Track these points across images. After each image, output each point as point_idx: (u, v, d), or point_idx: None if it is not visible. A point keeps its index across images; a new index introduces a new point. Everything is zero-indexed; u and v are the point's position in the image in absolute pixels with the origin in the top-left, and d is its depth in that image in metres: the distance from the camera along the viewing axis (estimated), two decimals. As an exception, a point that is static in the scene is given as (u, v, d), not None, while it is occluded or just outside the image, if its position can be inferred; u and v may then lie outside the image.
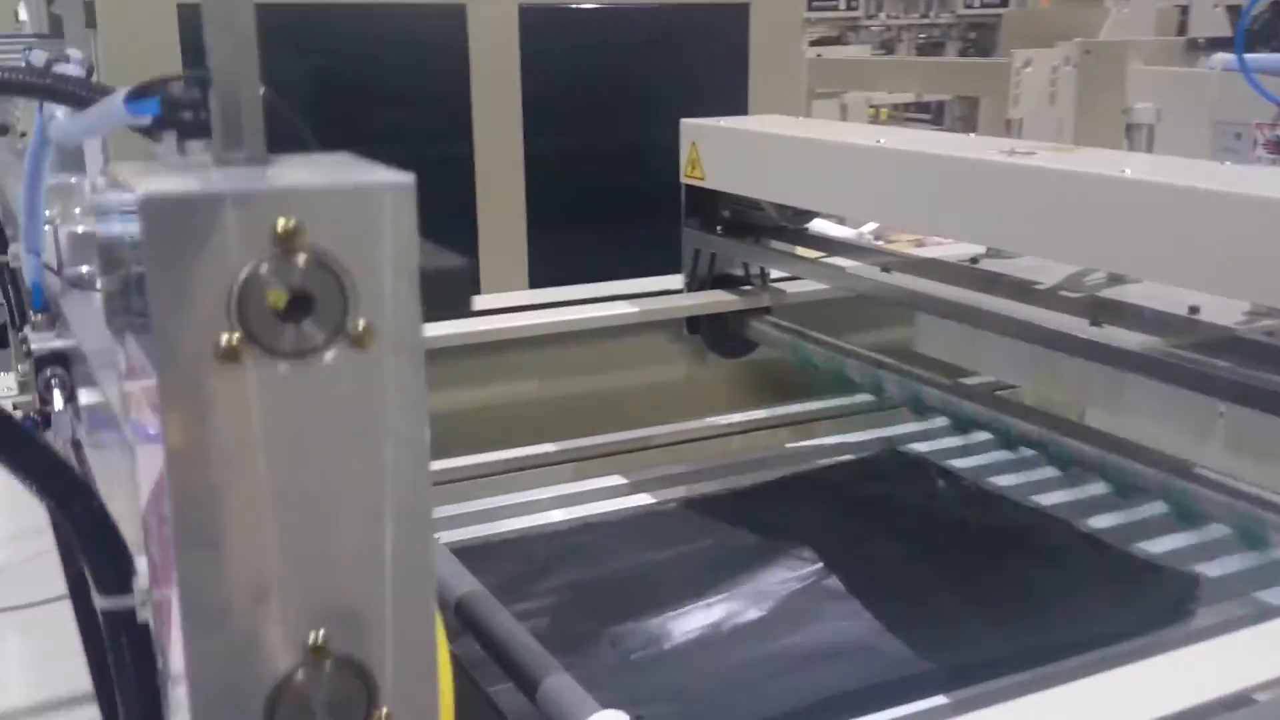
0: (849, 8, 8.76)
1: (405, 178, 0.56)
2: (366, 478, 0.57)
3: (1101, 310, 1.49)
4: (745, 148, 1.86)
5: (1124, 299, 1.48)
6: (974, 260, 1.71)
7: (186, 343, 0.53)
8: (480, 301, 1.94)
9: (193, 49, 0.88)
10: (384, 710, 0.58)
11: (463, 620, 1.05)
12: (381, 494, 0.57)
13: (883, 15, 9.12)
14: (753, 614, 1.38)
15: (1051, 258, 1.52)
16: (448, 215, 2.22)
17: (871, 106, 5.96)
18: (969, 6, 8.94)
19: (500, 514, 1.70)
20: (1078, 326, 1.51)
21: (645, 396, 2.00)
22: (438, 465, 1.77)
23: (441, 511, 1.67)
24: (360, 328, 0.55)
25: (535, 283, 2.44)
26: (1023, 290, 1.60)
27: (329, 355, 0.55)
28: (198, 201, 0.53)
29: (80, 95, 0.89)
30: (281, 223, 0.54)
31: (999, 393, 1.92)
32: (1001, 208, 1.46)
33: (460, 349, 1.84)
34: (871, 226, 2.82)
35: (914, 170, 1.57)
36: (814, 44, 7.57)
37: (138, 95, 0.67)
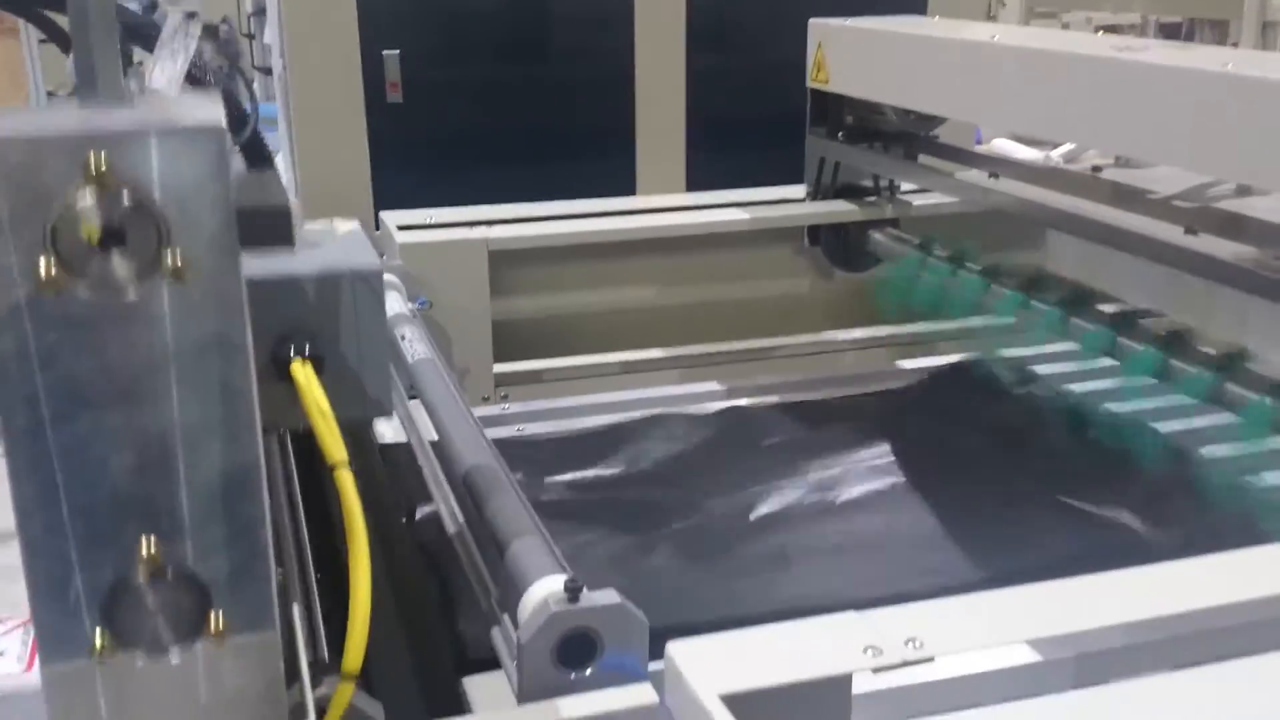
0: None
1: (215, 120, 0.57)
2: (190, 398, 0.60)
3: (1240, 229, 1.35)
4: (867, 48, 1.76)
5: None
6: (1095, 169, 1.57)
7: (6, 276, 0.57)
8: (595, 205, 1.94)
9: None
10: (219, 613, 0.62)
11: (469, 492, 1.09)
12: (206, 412, 0.60)
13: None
14: (811, 504, 1.41)
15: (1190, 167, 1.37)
16: (606, 122, 2.21)
17: (1098, 28, 5.48)
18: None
19: (598, 410, 1.72)
20: (1225, 250, 1.37)
21: (762, 308, 1.97)
22: (542, 363, 1.85)
23: (539, 404, 1.72)
24: (177, 262, 0.58)
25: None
26: (1165, 209, 1.46)
27: (147, 287, 0.58)
28: (12, 144, 0.56)
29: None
30: (94, 162, 0.56)
31: (1146, 320, 1.78)
32: (1123, 107, 1.33)
33: (574, 251, 1.86)
34: (1065, 149, 2.61)
35: (1034, 67, 1.44)
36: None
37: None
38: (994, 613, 0.85)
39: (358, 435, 1.50)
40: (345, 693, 0.76)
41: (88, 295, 0.57)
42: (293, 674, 0.75)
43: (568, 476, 1.51)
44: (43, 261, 0.56)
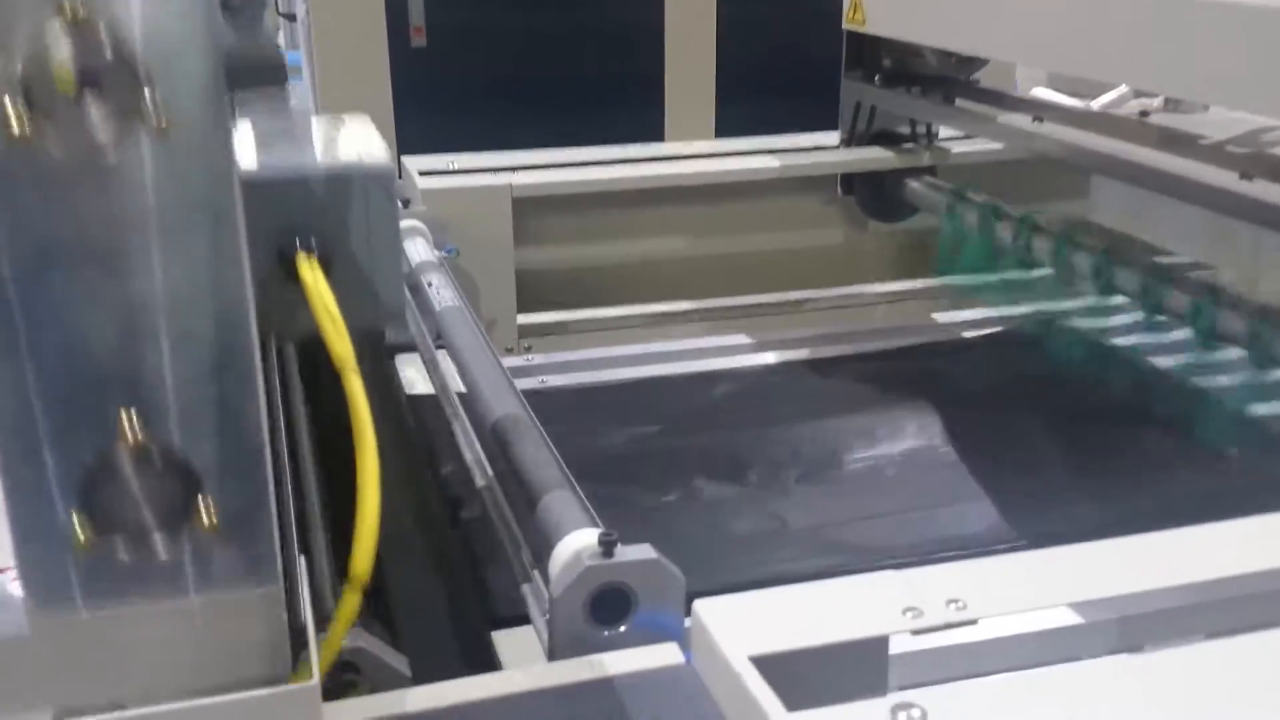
0: None
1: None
2: (176, 265, 0.55)
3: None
4: (907, -14, 1.69)
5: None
6: (1143, 114, 1.51)
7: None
8: (622, 152, 1.89)
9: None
10: (207, 500, 0.57)
11: (498, 443, 1.06)
12: (194, 282, 0.55)
13: None
14: (847, 462, 1.37)
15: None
16: (635, 67, 2.14)
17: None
18: None
19: (624, 362, 1.68)
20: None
21: (793, 259, 1.91)
22: (567, 315, 1.81)
23: (564, 356, 1.69)
24: (158, 112, 0.52)
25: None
26: (1219, 154, 1.39)
27: (127, 140, 0.52)
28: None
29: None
30: (69, 4, 0.50)
31: (1196, 274, 1.72)
32: (1178, 44, 1.26)
33: (600, 198, 1.81)
34: (1107, 98, 2.52)
35: (1083, 2, 1.37)
36: None
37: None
38: (1038, 574, 0.81)
39: (385, 384, 1.47)
40: (351, 602, 0.72)
41: (61, 149, 0.51)
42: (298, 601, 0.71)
43: (597, 430, 1.47)
44: (12, 112, 0.50)
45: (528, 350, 1.76)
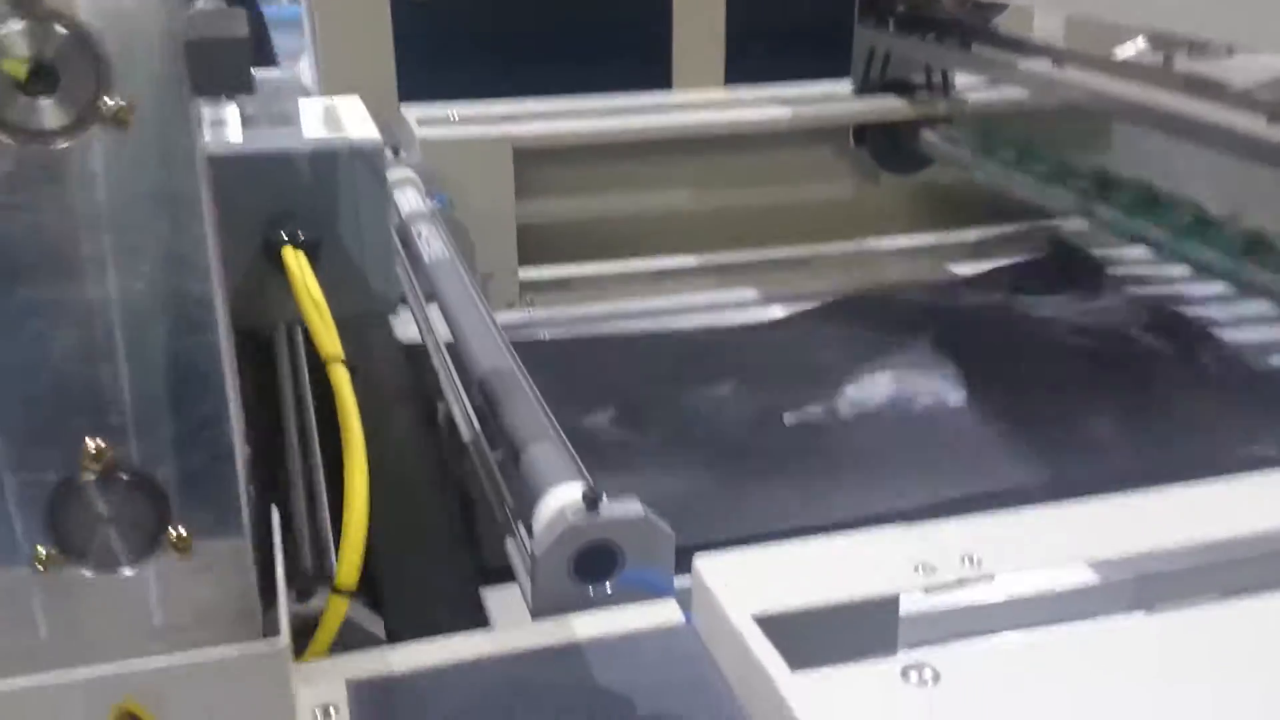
0: None
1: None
2: (136, 271, 0.51)
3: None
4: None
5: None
6: (1167, 60, 1.45)
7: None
8: (627, 101, 1.84)
9: None
10: (177, 528, 0.54)
11: (484, 395, 1.03)
12: (151, 286, 0.51)
13: None
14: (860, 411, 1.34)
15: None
16: (641, 12, 2.07)
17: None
18: None
19: (628, 317, 1.64)
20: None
21: (803, 213, 1.86)
22: (570, 269, 1.77)
23: (566, 311, 1.64)
24: (117, 105, 0.49)
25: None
26: (1246, 100, 1.33)
27: (82, 135, 0.49)
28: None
29: None
30: None
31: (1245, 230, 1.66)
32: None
33: (604, 149, 1.76)
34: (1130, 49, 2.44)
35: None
36: None
37: None
38: (1055, 528, 0.77)
39: (378, 331, 1.43)
40: (338, 607, 0.70)
41: (11, 143, 0.48)
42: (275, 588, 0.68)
43: (597, 384, 1.43)
44: (-43, 102, 0.47)
45: (530, 304, 1.71)
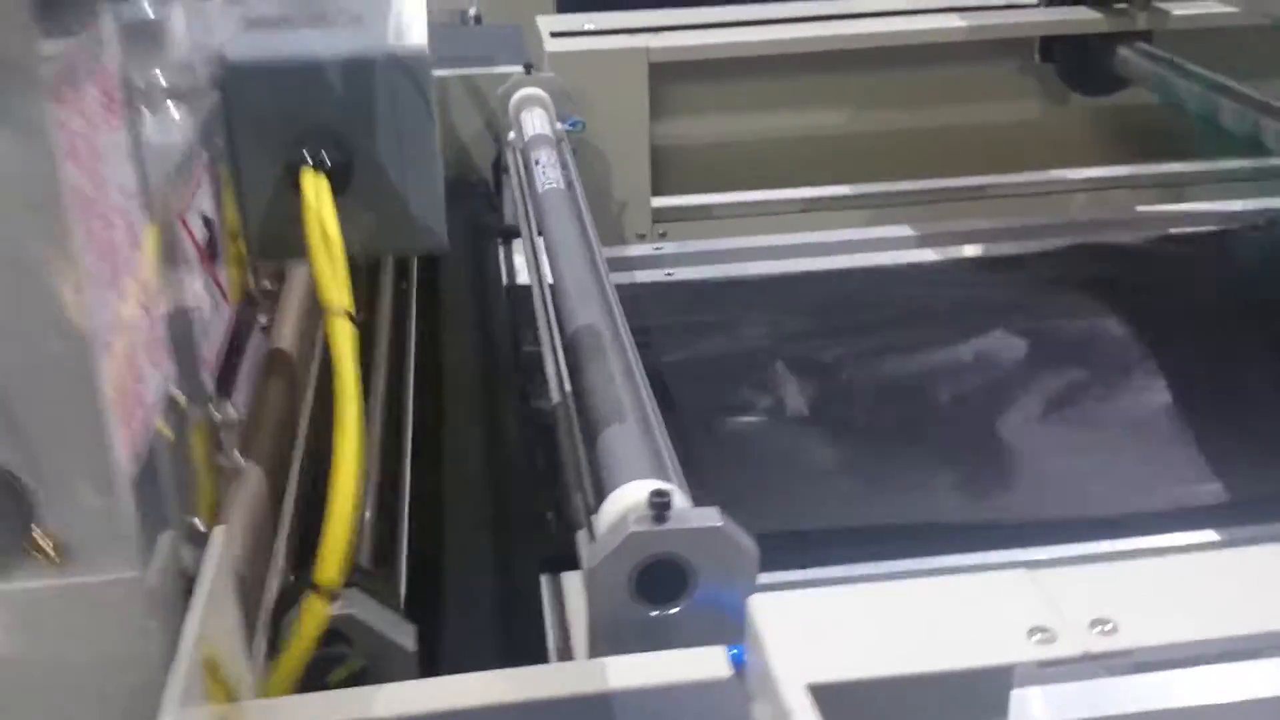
0: None
1: None
2: None
3: None
4: None
5: None
6: None
7: None
8: (778, 9, 1.67)
9: None
10: (45, 528, 0.46)
11: (571, 356, 0.92)
12: (16, 270, 0.42)
13: None
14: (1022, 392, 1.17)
15: None
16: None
17: None
18: None
19: (768, 254, 1.50)
20: None
21: (978, 138, 1.68)
22: (708, 198, 1.64)
23: (700, 245, 1.52)
24: None
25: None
26: None
27: None
28: None
29: None
30: None
31: None
32: None
33: (751, 64, 1.61)
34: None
35: None
36: None
37: None
38: (1228, 579, 0.60)
39: (479, 272, 1.34)
40: (315, 609, 0.60)
41: None
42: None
43: (725, 333, 1.30)
44: None
45: (662, 236, 1.59)
